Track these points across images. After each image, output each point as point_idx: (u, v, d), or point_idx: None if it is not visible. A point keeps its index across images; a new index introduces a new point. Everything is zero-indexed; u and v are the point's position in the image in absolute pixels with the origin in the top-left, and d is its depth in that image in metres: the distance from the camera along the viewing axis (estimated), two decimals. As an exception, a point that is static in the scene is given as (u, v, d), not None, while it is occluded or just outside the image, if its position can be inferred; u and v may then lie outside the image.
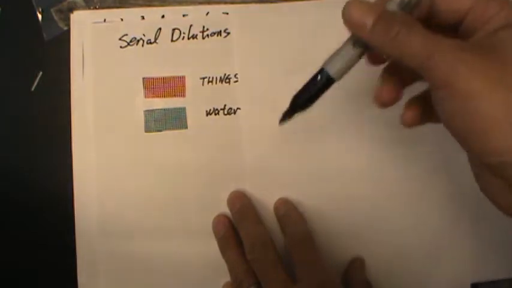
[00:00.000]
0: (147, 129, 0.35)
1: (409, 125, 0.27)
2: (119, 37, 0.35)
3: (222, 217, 0.35)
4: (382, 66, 0.28)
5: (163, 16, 0.36)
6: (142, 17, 0.36)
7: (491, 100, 0.21)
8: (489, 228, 0.36)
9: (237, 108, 0.35)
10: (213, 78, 0.35)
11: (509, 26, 0.23)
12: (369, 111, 0.35)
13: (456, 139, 0.23)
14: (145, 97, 0.35)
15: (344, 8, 0.24)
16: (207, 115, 0.35)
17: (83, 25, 0.36)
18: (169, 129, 0.35)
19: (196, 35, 0.36)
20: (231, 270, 0.33)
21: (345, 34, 0.37)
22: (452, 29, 0.25)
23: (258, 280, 0.31)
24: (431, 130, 0.29)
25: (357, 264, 0.35)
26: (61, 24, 0.36)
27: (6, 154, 0.36)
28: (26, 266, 0.36)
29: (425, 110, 0.26)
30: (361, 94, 0.35)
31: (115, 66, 0.35)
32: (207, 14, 0.36)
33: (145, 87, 0.35)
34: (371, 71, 0.32)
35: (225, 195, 0.35)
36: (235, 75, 0.36)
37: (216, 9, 0.36)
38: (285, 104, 0.35)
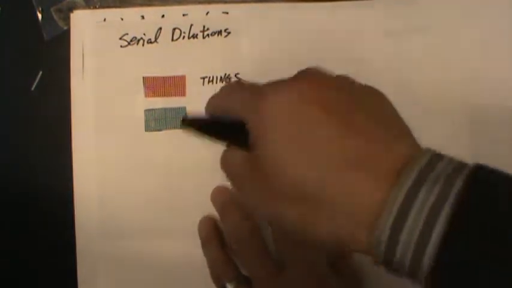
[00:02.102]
0: (147, 129, 0.35)
1: None
2: (119, 36, 0.35)
3: (206, 218, 0.35)
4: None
5: (163, 16, 0.36)
6: (142, 17, 0.36)
7: None
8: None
9: (238, 108, 0.35)
10: (213, 77, 0.35)
11: None
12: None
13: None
14: (146, 96, 0.35)
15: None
16: (207, 115, 0.35)
17: (83, 25, 0.35)
18: (170, 128, 0.35)
19: (197, 34, 0.35)
20: (211, 265, 0.33)
21: (343, 36, 0.37)
22: None
23: (237, 275, 0.32)
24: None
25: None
26: (61, 24, 0.36)
27: (6, 154, 0.36)
28: (26, 266, 0.36)
29: None
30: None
31: (115, 66, 0.35)
32: (207, 13, 0.36)
33: (145, 87, 0.35)
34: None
35: (225, 195, 0.35)
36: (235, 75, 0.35)
37: (216, 8, 0.36)
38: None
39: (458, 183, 0.18)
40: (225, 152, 0.26)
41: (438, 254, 0.18)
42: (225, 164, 0.26)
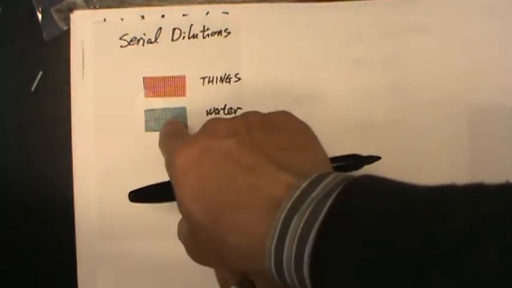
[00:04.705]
0: (148, 129, 0.35)
1: None
2: (119, 37, 0.35)
3: None
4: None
5: (163, 16, 0.36)
6: (142, 17, 0.36)
7: None
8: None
9: (238, 108, 0.35)
10: (213, 77, 0.35)
11: None
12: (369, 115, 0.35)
13: None
14: (146, 97, 0.35)
15: None
16: (207, 115, 0.35)
17: (83, 25, 0.35)
18: (170, 128, 0.35)
19: (197, 34, 0.36)
20: (217, 270, 0.33)
21: (342, 36, 0.37)
22: None
23: (244, 277, 0.31)
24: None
25: None
26: (61, 24, 0.36)
27: (6, 154, 0.36)
28: (26, 266, 0.36)
29: None
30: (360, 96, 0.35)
31: (115, 66, 0.35)
32: (207, 13, 0.36)
33: (145, 87, 0.35)
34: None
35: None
36: (235, 75, 0.36)
37: (216, 8, 0.36)
38: (285, 104, 0.35)
39: (327, 206, 0.20)
40: None
41: (311, 276, 0.19)
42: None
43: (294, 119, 0.27)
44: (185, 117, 0.35)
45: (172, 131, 0.32)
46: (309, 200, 0.20)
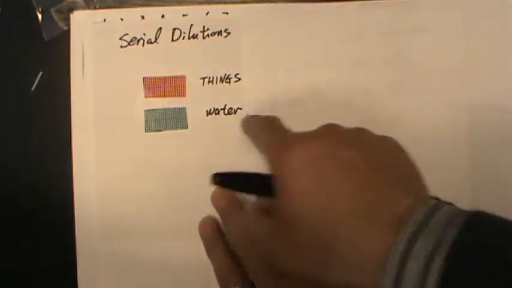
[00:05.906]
0: (147, 129, 0.35)
1: None
2: (119, 37, 0.35)
3: (208, 219, 0.34)
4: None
5: (163, 16, 0.36)
6: (142, 17, 0.36)
7: None
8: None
9: (238, 108, 0.35)
10: (213, 78, 0.35)
11: None
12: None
13: None
14: (146, 97, 0.35)
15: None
16: (207, 115, 0.35)
17: (83, 25, 0.36)
18: (170, 129, 0.35)
19: (197, 34, 0.36)
20: (216, 270, 0.33)
21: (342, 36, 0.37)
22: None
23: (244, 276, 0.31)
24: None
25: None
26: (61, 24, 0.36)
27: (6, 154, 0.36)
28: (26, 266, 0.36)
29: None
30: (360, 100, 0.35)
31: (115, 66, 0.35)
32: (207, 13, 0.36)
33: (145, 87, 0.35)
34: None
35: (225, 195, 0.35)
36: (235, 75, 0.36)
37: (216, 9, 0.36)
38: (285, 104, 0.35)
39: (451, 235, 0.20)
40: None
41: None
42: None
43: (403, 150, 0.28)
44: (185, 118, 0.35)
45: (270, 122, 0.31)
46: (431, 223, 0.21)
